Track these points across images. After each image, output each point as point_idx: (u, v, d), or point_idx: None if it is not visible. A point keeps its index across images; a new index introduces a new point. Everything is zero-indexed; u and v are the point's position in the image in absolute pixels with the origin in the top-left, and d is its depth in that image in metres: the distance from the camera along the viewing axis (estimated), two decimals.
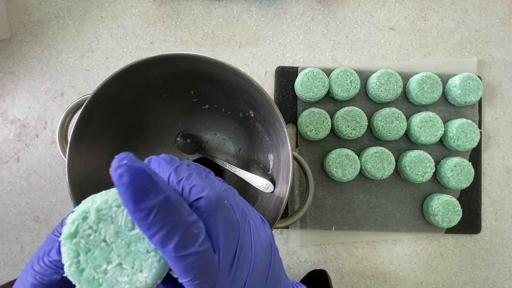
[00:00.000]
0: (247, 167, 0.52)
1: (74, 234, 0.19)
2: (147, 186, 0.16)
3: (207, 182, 0.21)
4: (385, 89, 0.51)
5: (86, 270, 0.19)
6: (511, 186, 0.56)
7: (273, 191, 0.43)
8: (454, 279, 0.55)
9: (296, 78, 0.53)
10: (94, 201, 0.19)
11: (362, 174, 0.53)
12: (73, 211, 0.20)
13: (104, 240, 0.19)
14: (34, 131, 0.55)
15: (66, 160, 0.36)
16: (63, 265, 0.20)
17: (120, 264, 0.19)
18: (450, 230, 0.54)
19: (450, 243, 0.55)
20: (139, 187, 0.16)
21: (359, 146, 0.54)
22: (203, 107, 0.50)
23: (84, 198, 0.20)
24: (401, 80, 0.52)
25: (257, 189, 0.45)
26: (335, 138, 0.54)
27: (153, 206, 0.16)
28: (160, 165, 0.21)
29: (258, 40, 0.56)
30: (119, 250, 0.19)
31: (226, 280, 0.19)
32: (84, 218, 0.19)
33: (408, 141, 0.54)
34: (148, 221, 0.16)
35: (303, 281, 0.51)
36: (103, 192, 0.20)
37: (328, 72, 0.53)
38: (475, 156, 0.55)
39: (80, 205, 0.20)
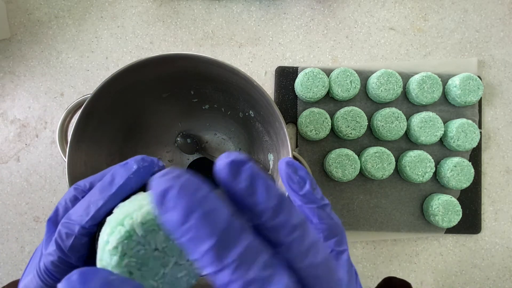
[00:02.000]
0: None
1: (121, 258, 0.18)
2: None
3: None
4: (385, 89, 0.51)
5: (144, 283, 0.18)
6: (511, 186, 0.56)
7: None
8: (454, 279, 0.55)
9: (296, 78, 0.53)
10: (131, 217, 0.18)
11: (362, 174, 0.53)
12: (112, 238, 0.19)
13: (156, 249, 0.19)
14: (34, 131, 0.55)
15: (66, 160, 0.36)
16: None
17: (176, 263, 0.19)
18: (450, 230, 0.54)
19: (450, 243, 0.55)
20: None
21: (359, 146, 0.54)
22: (203, 107, 0.50)
23: None
24: (401, 80, 0.52)
25: None
26: (335, 138, 0.54)
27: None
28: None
29: (258, 40, 0.56)
30: (172, 251, 0.19)
31: None
32: (128, 238, 0.18)
33: (408, 141, 0.54)
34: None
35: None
36: (124, 204, 0.20)
37: (328, 72, 0.53)
38: (475, 156, 0.55)
39: (113, 228, 0.18)
